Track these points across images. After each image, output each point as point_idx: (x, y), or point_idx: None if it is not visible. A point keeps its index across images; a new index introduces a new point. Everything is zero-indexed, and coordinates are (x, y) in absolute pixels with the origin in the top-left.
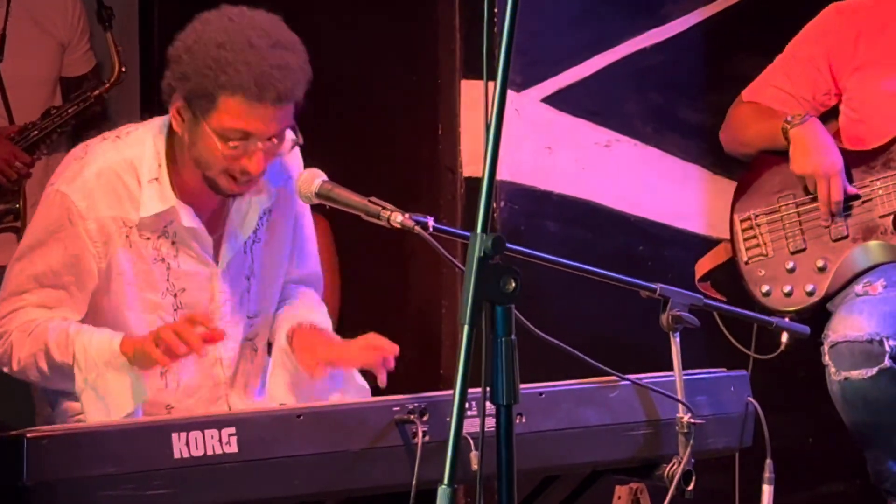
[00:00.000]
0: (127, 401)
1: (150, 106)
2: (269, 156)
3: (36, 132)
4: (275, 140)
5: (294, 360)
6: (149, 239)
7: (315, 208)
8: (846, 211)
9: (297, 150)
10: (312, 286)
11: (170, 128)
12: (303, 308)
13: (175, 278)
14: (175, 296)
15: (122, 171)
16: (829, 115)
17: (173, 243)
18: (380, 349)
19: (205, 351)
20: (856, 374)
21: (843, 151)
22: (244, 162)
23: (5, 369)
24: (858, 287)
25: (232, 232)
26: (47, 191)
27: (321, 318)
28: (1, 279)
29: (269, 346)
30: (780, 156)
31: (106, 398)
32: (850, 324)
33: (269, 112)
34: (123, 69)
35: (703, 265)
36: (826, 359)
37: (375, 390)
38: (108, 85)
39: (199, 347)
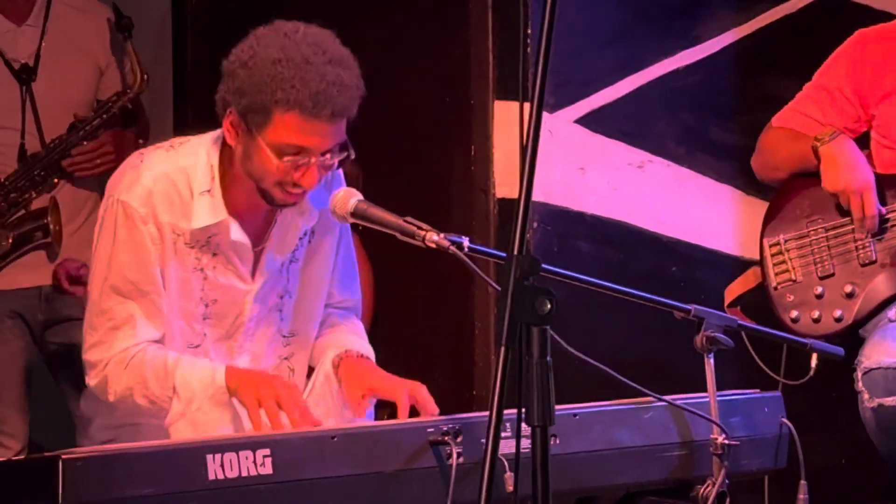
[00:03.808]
0: (228, 431)
1: (184, 116)
2: (323, 170)
3: (63, 147)
4: (328, 155)
5: (335, 387)
6: (192, 248)
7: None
8: (874, 235)
9: (340, 173)
10: (354, 313)
11: (223, 141)
12: (349, 334)
13: (210, 289)
14: (206, 305)
15: (176, 179)
16: (860, 143)
17: (214, 255)
18: (421, 404)
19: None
20: (889, 400)
21: (874, 174)
22: (297, 176)
23: (102, 398)
24: (892, 312)
25: (271, 250)
26: (107, 202)
27: (366, 346)
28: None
29: (310, 369)
30: (808, 179)
31: (202, 429)
32: (884, 350)
33: (324, 128)
34: (146, 77)
35: (733, 290)
36: (859, 385)
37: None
38: (131, 94)
39: (297, 423)
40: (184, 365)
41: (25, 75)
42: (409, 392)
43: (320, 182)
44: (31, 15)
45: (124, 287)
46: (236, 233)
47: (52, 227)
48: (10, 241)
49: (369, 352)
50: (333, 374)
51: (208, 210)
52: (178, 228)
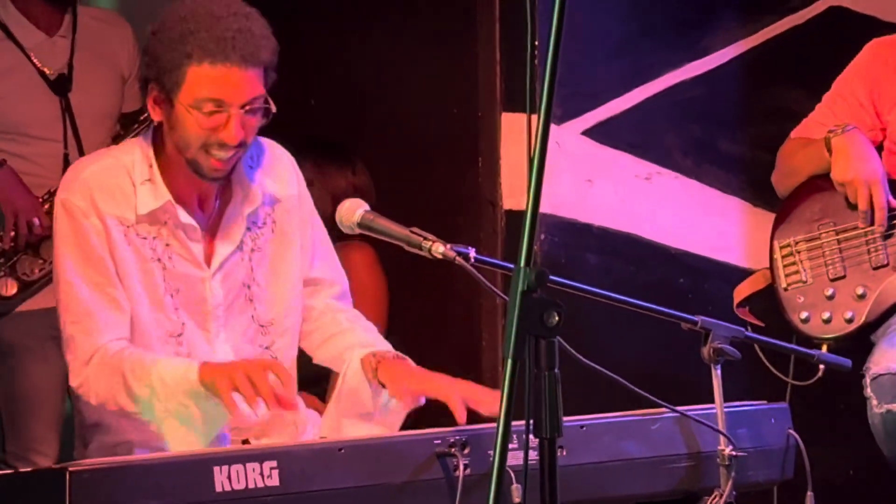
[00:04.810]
0: (213, 426)
1: None
2: (247, 127)
3: None
4: (248, 107)
5: (365, 387)
6: (145, 239)
7: (359, 237)
8: (887, 239)
9: (291, 162)
10: (347, 300)
11: (154, 133)
12: (367, 332)
13: (170, 279)
14: (171, 296)
15: (115, 171)
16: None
17: (168, 245)
18: (475, 403)
19: (273, 405)
20: None
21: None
22: (221, 134)
23: (85, 399)
24: None
25: (222, 237)
26: (55, 205)
27: (384, 343)
28: None
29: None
30: (820, 181)
31: (192, 423)
32: (892, 356)
33: (236, 75)
34: None
35: (742, 290)
36: (868, 391)
37: (415, 423)
38: None
39: (271, 401)
40: (161, 363)
41: (62, 86)
42: (462, 394)
43: (246, 141)
44: (63, 26)
45: (76, 282)
46: (184, 216)
47: None
48: None
49: (388, 347)
50: (368, 376)
51: (151, 196)
52: (126, 220)
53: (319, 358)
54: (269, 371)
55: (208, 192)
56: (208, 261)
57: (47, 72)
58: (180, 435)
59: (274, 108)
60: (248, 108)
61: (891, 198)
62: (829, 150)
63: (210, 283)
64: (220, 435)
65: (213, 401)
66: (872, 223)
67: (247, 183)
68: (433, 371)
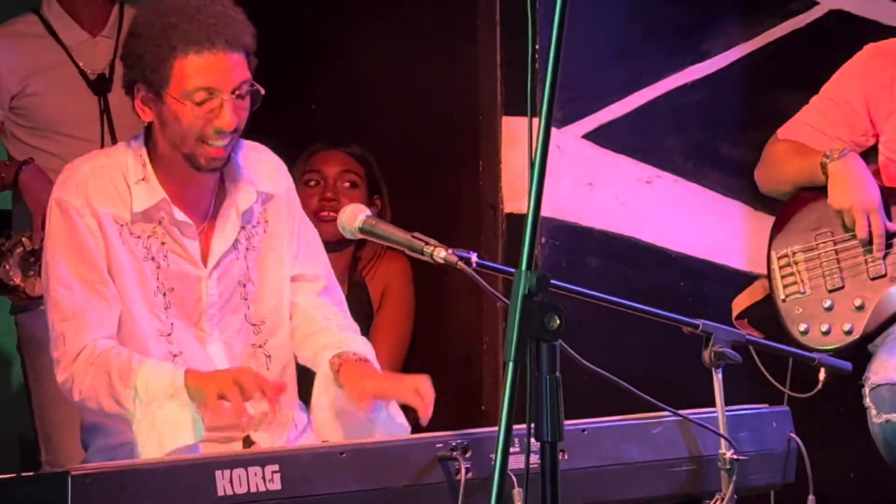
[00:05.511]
0: (187, 434)
1: None
2: (239, 112)
3: None
4: (237, 92)
5: (337, 391)
6: (139, 238)
7: (398, 253)
8: (884, 249)
9: (279, 161)
10: (331, 296)
11: (145, 134)
12: (341, 331)
13: (164, 278)
14: (164, 295)
15: (110, 171)
16: (869, 155)
17: (163, 243)
18: (424, 398)
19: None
20: None
21: (882, 189)
22: (216, 122)
23: (68, 396)
24: None
25: (218, 235)
26: (48, 205)
27: (361, 344)
28: None
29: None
30: (815, 192)
31: (161, 428)
32: (891, 366)
33: (223, 60)
34: None
35: (740, 302)
36: (867, 401)
37: (417, 427)
38: None
39: (261, 398)
40: (147, 366)
41: (101, 86)
42: (415, 390)
43: (239, 126)
44: (107, 26)
45: (69, 279)
46: (179, 213)
47: None
48: None
49: (366, 347)
50: (334, 378)
51: (146, 194)
52: (121, 218)
53: (301, 358)
54: (255, 378)
55: (203, 191)
56: (204, 259)
57: (88, 71)
58: (153, 441)
59: (262, 91)
60: (238, 92)
61: (888, 223)
62: (825, 175)
63: (206, 281)
64: (195, 446)
65: (196, 409)
66: (870, 248)
67: (240, 182)
68: (433, 375)
